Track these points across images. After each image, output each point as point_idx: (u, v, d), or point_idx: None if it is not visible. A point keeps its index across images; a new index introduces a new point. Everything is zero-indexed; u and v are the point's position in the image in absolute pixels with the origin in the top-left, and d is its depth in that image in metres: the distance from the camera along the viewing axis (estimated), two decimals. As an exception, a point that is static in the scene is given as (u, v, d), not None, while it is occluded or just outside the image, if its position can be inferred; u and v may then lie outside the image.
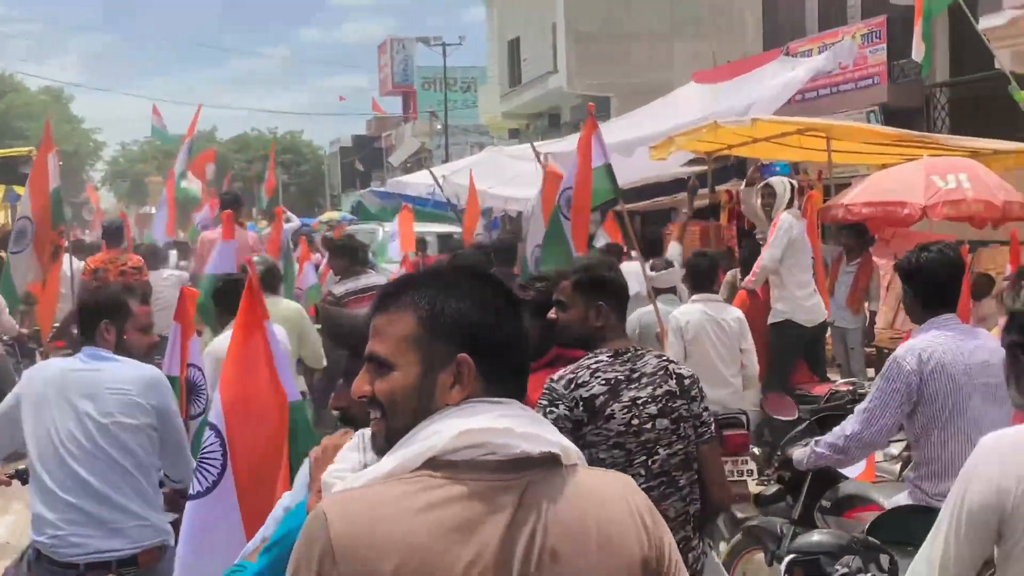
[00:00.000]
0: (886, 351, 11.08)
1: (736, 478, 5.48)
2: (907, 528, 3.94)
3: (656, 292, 7.51)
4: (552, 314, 3.90)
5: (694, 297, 7.05)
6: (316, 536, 1.67)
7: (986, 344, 4.24)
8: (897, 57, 15.68)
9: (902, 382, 4.14)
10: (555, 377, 3.63)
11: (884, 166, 12.00)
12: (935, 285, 4.25)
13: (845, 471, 4.92)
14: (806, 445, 4.57)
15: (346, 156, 62.51)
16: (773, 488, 5.04)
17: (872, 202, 9.93)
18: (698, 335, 6.71)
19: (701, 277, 7.01)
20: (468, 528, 1.67)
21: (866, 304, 10.59)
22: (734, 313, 7.05)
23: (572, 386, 3.57)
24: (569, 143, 17.47)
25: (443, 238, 17.30)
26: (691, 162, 16.73)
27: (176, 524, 3.95)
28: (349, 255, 8.92)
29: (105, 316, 4.26)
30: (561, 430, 3.02)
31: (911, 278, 4.33)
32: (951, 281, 4.29)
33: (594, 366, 3.63)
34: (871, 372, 10.45)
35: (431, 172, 18.05)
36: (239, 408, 3.68)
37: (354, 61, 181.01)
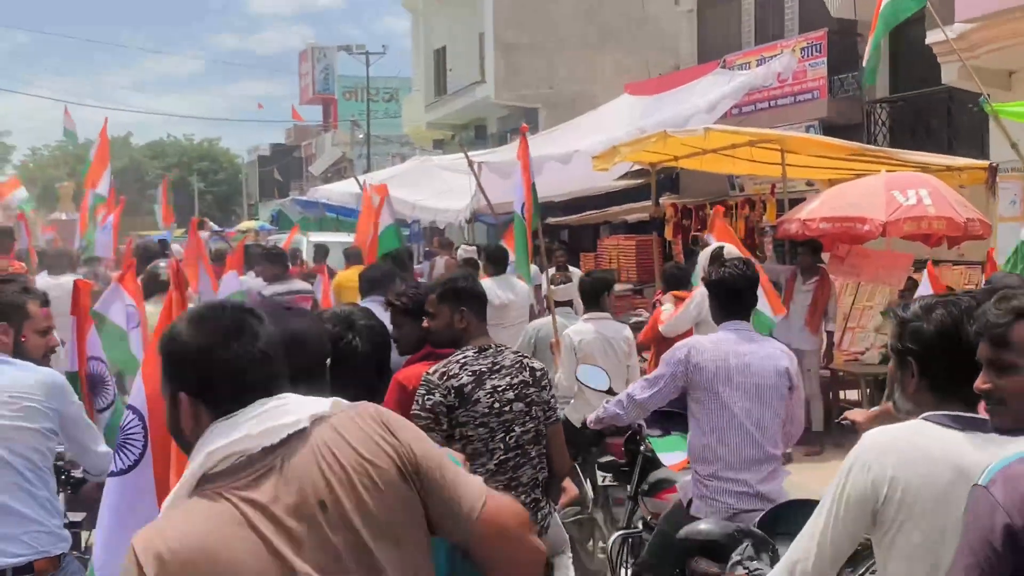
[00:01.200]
0: (842, 374, 10.55)
1: (615, 482, 6.38)
2: (789, 521, 4.18)
3: (555, 304, 8.11)
4: (425, 323, 4.52)
5: (585, 316, 7.34)
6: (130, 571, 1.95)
7: (761, 351, 4.71)
8: (837, 71, 15.25)
9: (672, 367, 4.74)
10: (430, 371, 4.21)
11: (832, 181, 11.48)
12: (731, 295, 4.78)
13: (664, 460, 5.59)
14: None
15: (264, 165, 61.21)
16: (607, 459, 6.26)
17: (831, 217, 9.36)
18: (591, 352, 7.00)
19: (589, 296, 7.34)
20: (245, 520, 1.99)
21: (823, 324, 9.99)
22: (624, 333, 7.32)
23: (445, 377, 4.14)
24: (501, 154, 16.81)
25: (318, 247, 16.48)
26: (628, 175, 16.17)
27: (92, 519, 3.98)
28: (280, 262, 9.82)
29: (2, 318, 4.16)
30: (439, 414, 4.09)
31: (713, 288, 4.87)
32: (745, 292, 4.80)
33: (462, 360, 4.23)
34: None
35: (358, 180, 17.20)
36: (159, 395, 3.62)
37: (272, 69, 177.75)
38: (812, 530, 2.75)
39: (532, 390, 4.32)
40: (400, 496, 2.10)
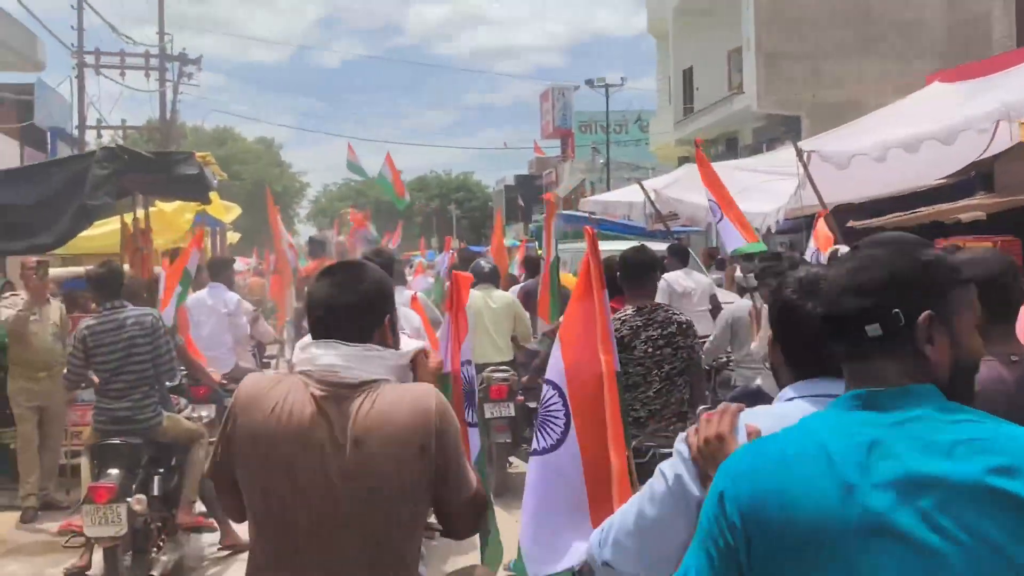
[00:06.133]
0: None
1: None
2: None
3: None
4: None
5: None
6: None
7: None
8: None
9: None
10: None
11: None
12: None
13: None
14: None
15: (510, 193, 59.55)
16: None
17: None
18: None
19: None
20: (302, 407, 2.20)
21: None
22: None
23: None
24: (819, 142, 12.60)
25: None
26: (956, 172, 11.59)
27: None
28: (530, 269, 9.88)
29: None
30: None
31: None
32: None
33: (622, 317, 4.93)
34: None
35: (641, 185, 13.28)
36: (578, 371, 3.32)
37: (515, 117, 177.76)
38: None
39: (678, 338, 4.97)
40: None
